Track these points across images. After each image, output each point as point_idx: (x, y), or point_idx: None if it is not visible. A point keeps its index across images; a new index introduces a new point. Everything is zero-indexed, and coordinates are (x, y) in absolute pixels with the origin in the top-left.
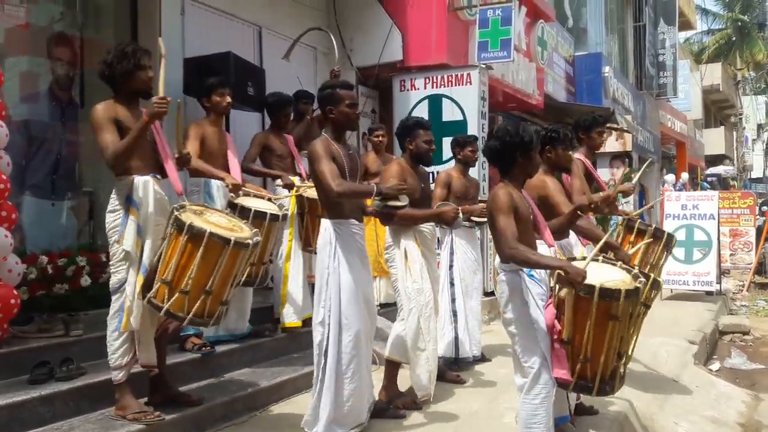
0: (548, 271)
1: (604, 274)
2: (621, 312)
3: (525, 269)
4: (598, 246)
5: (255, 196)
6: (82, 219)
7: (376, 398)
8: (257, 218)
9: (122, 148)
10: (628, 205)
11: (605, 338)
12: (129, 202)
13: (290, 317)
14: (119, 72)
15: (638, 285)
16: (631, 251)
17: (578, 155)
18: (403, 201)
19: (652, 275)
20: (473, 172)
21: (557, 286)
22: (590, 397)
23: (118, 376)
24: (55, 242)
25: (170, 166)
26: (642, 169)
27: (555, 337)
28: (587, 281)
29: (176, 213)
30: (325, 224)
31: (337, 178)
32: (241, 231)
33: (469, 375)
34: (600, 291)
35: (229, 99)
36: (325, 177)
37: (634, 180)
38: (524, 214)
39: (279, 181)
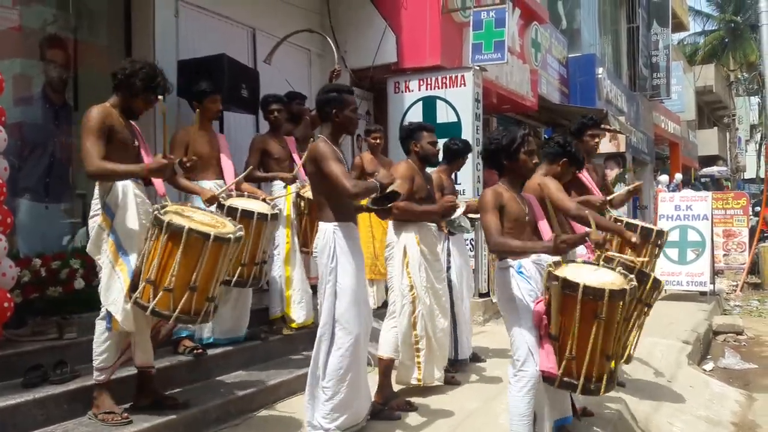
0: (540, 268)
1: (595, 275)
2: (606, 312)
3: (515, 266)
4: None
5: (249, 196)
6: (76, 222)
7: (372, 399)
8: (244, 218)
9: (107, 173)
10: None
11: (590, 337)
12: (102, 208)
13: (300, 317)
14: (125, 85)
15: (626, 287)
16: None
17: None
18: (396, 185)
19: (652, 274)
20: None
21: (546, 286)
22: (586, 398)
23: (99, 377)
24: (49, 245)
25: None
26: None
27: (543, 332)
28: (573, 279)
29: (156, 213)
30: (326, 227)
31: (351, 179)
32: (224, 227)
33: (464, 376)
34: (583, 289)
35: (220, 105)
36: (338, 178)
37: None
38: (516, 214)
39: (277, 182)
